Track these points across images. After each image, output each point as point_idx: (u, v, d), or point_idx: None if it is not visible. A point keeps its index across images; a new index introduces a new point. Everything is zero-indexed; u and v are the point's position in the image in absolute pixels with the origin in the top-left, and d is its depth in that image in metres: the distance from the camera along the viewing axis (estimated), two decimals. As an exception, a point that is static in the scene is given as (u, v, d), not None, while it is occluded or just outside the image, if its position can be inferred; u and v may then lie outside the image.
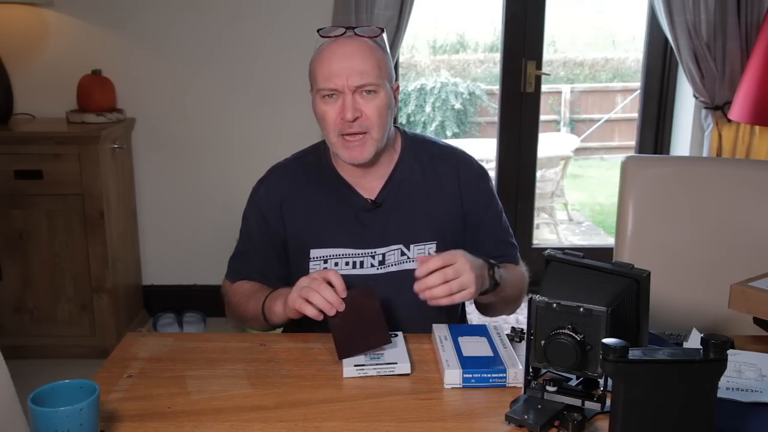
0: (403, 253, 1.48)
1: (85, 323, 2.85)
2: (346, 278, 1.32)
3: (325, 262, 1.48)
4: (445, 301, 1.25)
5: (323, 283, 1.28)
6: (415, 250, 1.48)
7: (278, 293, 1.39)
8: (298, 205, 1.51)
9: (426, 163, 1.53)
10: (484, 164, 1.61)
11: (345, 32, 1.42)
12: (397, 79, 1.51)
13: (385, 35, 1.47)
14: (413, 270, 1.40)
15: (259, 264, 1.53)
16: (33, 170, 2.70)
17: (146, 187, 3.18)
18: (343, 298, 1.27)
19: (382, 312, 1.28)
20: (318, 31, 1.44)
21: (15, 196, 2.72)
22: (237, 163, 3.14)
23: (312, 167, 1.54)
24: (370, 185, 1.50)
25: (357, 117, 1.38)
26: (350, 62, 1.37)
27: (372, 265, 1.47)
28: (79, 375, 1.07)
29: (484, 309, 1.52)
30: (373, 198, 1.50)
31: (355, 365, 1.22)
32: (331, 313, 1.27)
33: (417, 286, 1.26)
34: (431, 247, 1.49)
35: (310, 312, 1.28)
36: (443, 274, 1.25)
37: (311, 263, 1.48)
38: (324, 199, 1.50)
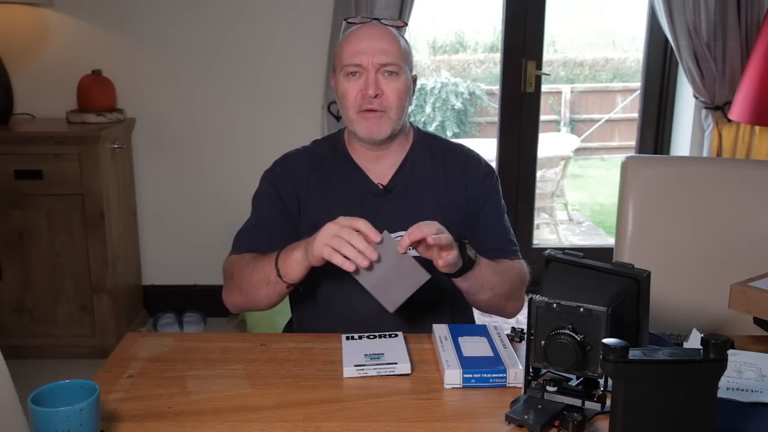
0: None
1: (85, 323, 2.85)
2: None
3: None
4: (449, 256, 1.27)
5: (353, 232, 1.25)
6: None
7: (294, 244, 1.36)
8: (313, 185, 1.53)
9: (436, 155, 1.57)
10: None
11: (371, 21, 1.50)
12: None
13: (407, 29, 1.51)
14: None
15: (268, 240, 1.49)
16: (33, 170, 2.70)
17: (146, 187, 3.18)
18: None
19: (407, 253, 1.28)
20: (345, 19, 1.54)
21: (15, 196, 2.72)
22: (237, 162, 3.14)
23: (327, 153, 1.58)
24: (382, 172, 1.54)
25: (378, 94, 1.44)
26: (376, 42, 1.45)
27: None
28: (79, 375, 1.06)
29: (473, 301, 1.50)
30: (384, 184, 1.52)
31: (355, 365, 1.22)
32: (365, 264, 1.24)
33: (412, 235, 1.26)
34: None
35: (339, 260, 1.25)
36: (434, 227, 1.26)
37: None
38: (338, 182, 1.53)
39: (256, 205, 1.56)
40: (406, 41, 1.51)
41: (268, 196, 1.54)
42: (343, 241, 1.24)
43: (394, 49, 1.45)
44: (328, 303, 1.50)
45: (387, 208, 1.51)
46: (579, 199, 5.97)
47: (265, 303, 1.45)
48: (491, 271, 1.43)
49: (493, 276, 1.44)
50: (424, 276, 1.28)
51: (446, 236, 1.28)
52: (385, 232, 1.28)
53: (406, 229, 1.48)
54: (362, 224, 1.26)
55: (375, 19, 1.50)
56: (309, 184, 1.53)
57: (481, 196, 1.56)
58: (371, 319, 1.39)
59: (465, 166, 1.57)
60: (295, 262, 1.34)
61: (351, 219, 1.27)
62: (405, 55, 1.48)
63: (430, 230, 1.26)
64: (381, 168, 1.54)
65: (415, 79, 1.54)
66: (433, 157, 1.57)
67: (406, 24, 1.56)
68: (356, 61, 1.44)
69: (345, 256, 1.24)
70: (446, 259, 1.29)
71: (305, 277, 1.36)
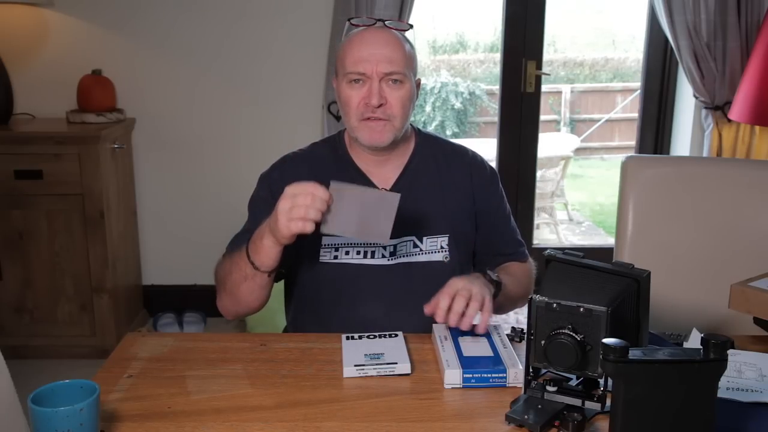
0: (415, 245, 1.49)
1: (85, 323, 2.85)
2: (355, 268, 1.37)
3: (336, 250, 1.47)
4: (485, 316, 1.27)
5: (308, 196, 1.22)
6: (428, 242, 1.50)
7: (259, 232, 1.33)
8: None
9: (440, 158, 1.56)
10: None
11: (375, 23, 1.46)
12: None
13: (413, 32, 1.51)
14: (424, 262, 1.45)
15: None
16: (33, 170, 2.70)
17: (146, 187, 3.18)
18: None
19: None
20: (349, 20, 1.49)
21: (15, 196, 2.72)
22: (237, 162, 3.14)
23: (327, 157, 1.55)
24: (385, 176, 1.52)
25: (381, 104, 1.41)
26: (381, 50, 1.41)
27: (383, 256, 1.48)
28: (79, 375, 1.06)
29: (496, 309, 1.53)
30: (388, 188, 1.51)
31: (355, 365, 1.22)
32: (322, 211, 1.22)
33: (451, 319, 1.26)
34: (444, 239, 1.50)
35: (310, 227, 1.23)
36: (462, 298, 1.26)
37: (322, 250, 1.48)
38: None
39: (252, 211, 1.53)
40: (411, 45, 1.49)
41: (265, 201, 1.50)
42: (303, 208, 1.21)
43: (399, 57, 1.42)
44: (327, 313, 1.49)
45: None
46: (579, 199, 5.97)
47: (251, 299, 1.40)
48: (512, 286, 1.47)
49: (513, 287, 1.48)
50: (394, 197, 1.25)
51: (475, 307, 1.27)
52: (332, 183, 1.25)
53: (410, 234, 1.49)
54: (311, 187, 1.22)
55: (380, 20, 1.47)
56: None
57: (491, 202, 1.57)
58: (371, 325, 1.39)
59: (470, 168, 1.56)
60: (267, 249, 1.30)
61: (299, 186, 1.23)
62: (410, 61, 1.45)
63: (460, 305, 1.26)
64: (384, 172, 1.52)
65: (418, 83, 1.52)
66: (436, 160, 1.55)
67: (412, 26, 1.52)
68: (360, 69, 1.41)
69: (311, 220, 1.22)
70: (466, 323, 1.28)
71: (283, 262, 1.34)
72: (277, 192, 1.49)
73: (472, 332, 1.32)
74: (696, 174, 1.75)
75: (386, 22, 1.47)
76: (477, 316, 1.29)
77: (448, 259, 1.50)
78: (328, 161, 1.54)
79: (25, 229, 2.76)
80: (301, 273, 1.51)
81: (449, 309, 1.27)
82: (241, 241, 1.49)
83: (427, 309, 1.29)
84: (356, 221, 1.25)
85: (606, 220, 5.46)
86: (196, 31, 3.03)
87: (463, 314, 1.27)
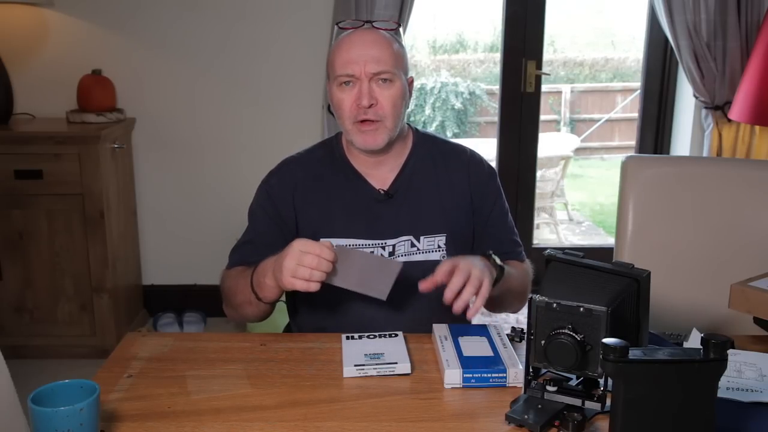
0: (413, 245, 1.49)
1: (85, 323, 2.85)
2: None
3: None
4: (479, 303, 1.25)
5: (314, 258, 1.23)
6: (425, 241, 1.50)
7: (263, 267, 1.34)
8: (310, 194, 1.51)
9: (437, 157, 1.56)
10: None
11: (363, 25, 1.47)
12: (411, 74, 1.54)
13: (402, 30, 1.49)
14: (422, 261, 1.45)
15: (260, 257, 1.44)
16: (33, 170, 2.70)
17: (146, 187, 3.18)
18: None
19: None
20: (337, 23, 1.51)
21: (15, 196, 2.72)
22: (237, 162, 3.14)
23: (324, 159, 1.56)
24: (382, 177, 1.52)
25: (372, 104, 1.41)
26: (368, 50, 1.42)
27: (382, 255, 1.48)
28: (79, 375, 1.07)
29: (493, 304, 1.51)
30: (385, 189, 1.51)
31: (355, 365, 1.22)
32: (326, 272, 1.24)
33: (447, 295, 1.24)
34: (441, 239, 1.50)
35: (315, 287, 1.25)
36: (461, 276, 1.25)
37: None
38: (336, 190, 1.52)
39: (251, 220, 1.54)
40: (400, 43, 1.48)
41: (264, 210, 1.52)
42: (308, 270, 1.23)
43: (387, 56, 1.42)
44: (327, 313, 1.50)
45: (389, 214, 1.50)
46: (579, 199, 5.97)
47: (257, 319, 1.47)
48: (513, 278, 1.46)
49: (515, 281, 1.47)
50: (396, 266, 1.29)
51: (470, 291, 1.25)
52: (337, 246, 1.28)
53: (408, 234, 1.49)
54: (318, 249, 1.23)
55: (367, 21, 1.48)
56: (307, 192, 1.51)
57: (488, 201, 1.56)
58: (371, 325, 1.39)
59: (468, 167, 1.56)
60: (270, 288, 1.33)
61: (306, 244, 1.25)
62: (399, 60, 1.45)
63: (457, 283, 1.25)
64: (381, 173, 1.52)
65: (411, 81, 1.52)
66: (434, 160, 1.55)
67: (400, 25, 1.53)
68: (348, 71, 1.41)
69: (315, 281, 1.24)
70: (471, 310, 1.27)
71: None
72: (277, 198, 1.51)
73: (470, 331, 1.32)
74: (696, 174, 1.75)
75: (374, 23, 1.47)
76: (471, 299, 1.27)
77: (445, 258, 1.50)
78: (326, 165, 1.54)
79: (25, 229, 2.76)
80: None
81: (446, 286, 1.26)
82: (243, 252, 1.52)
83: (422, 285, 1.28)
84: (357, 278, 1.29)
85: (606, 220, 5.46)
86: (196, 31, 3.03)
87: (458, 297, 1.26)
